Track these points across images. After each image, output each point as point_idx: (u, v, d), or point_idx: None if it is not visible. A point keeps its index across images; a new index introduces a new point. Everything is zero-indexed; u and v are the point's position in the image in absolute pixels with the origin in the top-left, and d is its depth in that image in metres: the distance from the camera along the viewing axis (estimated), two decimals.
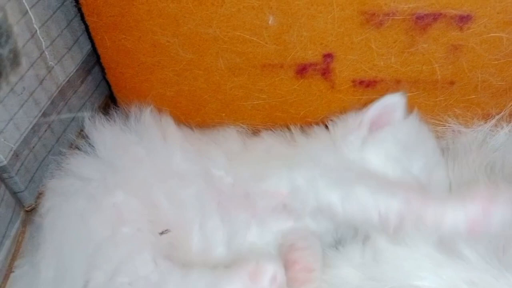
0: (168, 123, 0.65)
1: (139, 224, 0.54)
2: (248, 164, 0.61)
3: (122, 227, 0.53)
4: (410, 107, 0.66)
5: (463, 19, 0.56)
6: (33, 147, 0.59)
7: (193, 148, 0.62)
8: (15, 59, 0.54)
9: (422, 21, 0.57)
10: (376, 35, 0.58)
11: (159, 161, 0.60)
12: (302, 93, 0.67)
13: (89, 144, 0.60)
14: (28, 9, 0.55)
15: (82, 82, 0.67)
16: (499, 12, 0.55)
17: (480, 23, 0.56)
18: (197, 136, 0.66)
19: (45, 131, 0.61)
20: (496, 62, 0.59)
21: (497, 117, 0.65)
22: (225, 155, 0.61)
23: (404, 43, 0.59)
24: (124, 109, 0.68)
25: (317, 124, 0.69)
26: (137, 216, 0.55)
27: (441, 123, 0.67)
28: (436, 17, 0.56)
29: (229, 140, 0.65)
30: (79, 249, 0.53)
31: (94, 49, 0.66)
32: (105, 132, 0.61)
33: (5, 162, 0.54)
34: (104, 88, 0.71)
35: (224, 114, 0.70)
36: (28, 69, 0.57)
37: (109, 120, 0.63)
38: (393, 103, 0.62)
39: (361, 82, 0.64)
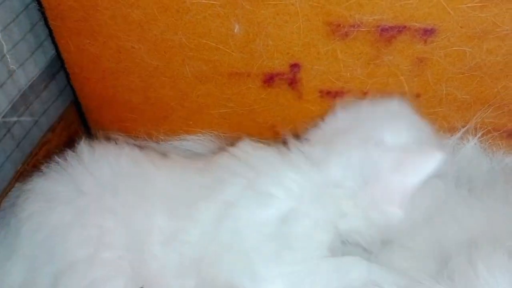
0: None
1: (120, 253, 0.53)
2: None
3: (103, 251, 0.52)
4: None
5: (427, 32, 0.56)
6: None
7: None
8: None
9: (387, 33, 0.57)
10: (342, 46, 0.58)
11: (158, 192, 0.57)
12: (269, 103, 0.66)
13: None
14: None
15: (45, 87, 0.65)
16: (462, 27, 0.55)
17: (444, 36, 0.56)
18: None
19: (5, 135, 0.59)
20: (461, 75, 0.60)
21: (462, 130, 0.65)
22: None
23: (370, 55, 0.59)
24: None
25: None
26: (120, 244, 0.53)
27: None
28: (400, 29, 0.56)
29: None
30: (53, 262, 0.52)
31: (58, 54, 0.65)
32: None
33: None
34: (69, 94, 0.69)
35: (191, 122, 0.70)
36: None
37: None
38: None
39: (328, 93, 0.64)
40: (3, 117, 0.59)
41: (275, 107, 0.67)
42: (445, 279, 0.51)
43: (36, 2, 0.60)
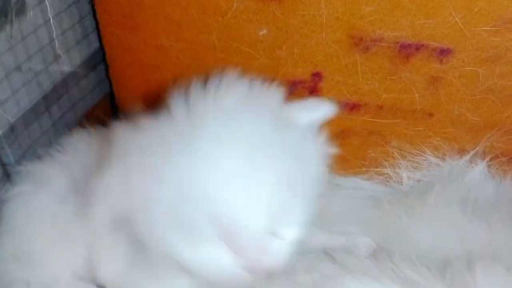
0: None
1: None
2: None
3: (76, 247, 0.53)
4: (390, 135, 0.70)
5: (443, 52, 0.60)
6: (29, 126, 0.62)
7: None
8: (23, 40, 0.59)
9: (406, 50, 0.61)
10: (363, 59, 0.63)
11: None
12: None
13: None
14: None
15: (85, 76, 0.71)
16: (476, 49, 0.59)
17: (459, 57, 0.60)
18: None
19: (43, 113, 0.64)
20: (473, 97, 0.63)
21: (472, 152, 0.68)
22: None
23: (388, 70, 0.63)
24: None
25: None
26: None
27: (419, 153, 0.70)
28: (418, 47, 0.60)
29: None
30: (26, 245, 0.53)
31: (101, 47, 0.71)
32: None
33: (0, 133, 0.57)
34: (105, 86, 0.75)
35: None
36: (36, 52, 0.61)
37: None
38: None
39: (346, 104, 0.68)
40: (43, 97, 0.64)
41: None
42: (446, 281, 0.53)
43: None
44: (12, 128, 0.59)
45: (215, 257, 0.44)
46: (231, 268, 0.44)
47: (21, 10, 0.58)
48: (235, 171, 0.44)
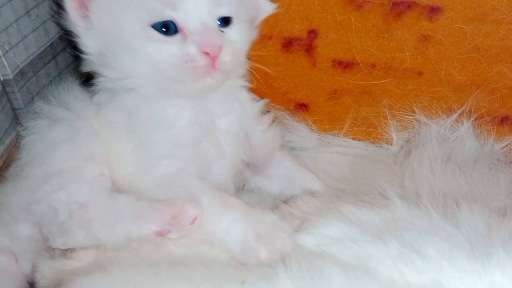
0: None
1: (103, 169, 0.58)
2: None
3: (87, 166, 0.57)
4: (381, 95, 0.73)
5: (434, 10, 0.63)
6: (37, 72, 0.65)
7: None
8: None
9: (398, 8, 0.64)
10: (357, 16, 0.66)
11: None
12: (286, 68, 0.73)
13: None
14: None
15: None
16: (464, 7, 0.62)
17: (448, 16, 0.63)
18: None
19: (50, 61, 0.67)
20: (460, 56, 0.66)
21: (458, 111, 0.71)
22: None
23: (381, 28, 0.66)
24: None
25: (297, 101, 0.76)
26: (103, 164, 0.59)
27: (409, 113, 0.74)
28: (410, 5, 0.63)
29: None
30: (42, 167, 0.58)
31: None
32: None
33: (11, 76, 0.60)
34: None
35: None
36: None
37: None
38: None
39: (339, 63, 0.71)
40: (51, 44, 0.67)
41: (290, 73, 0.74)
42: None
43: None
44: (22, 73, 0.62)
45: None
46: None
47: None
48: None
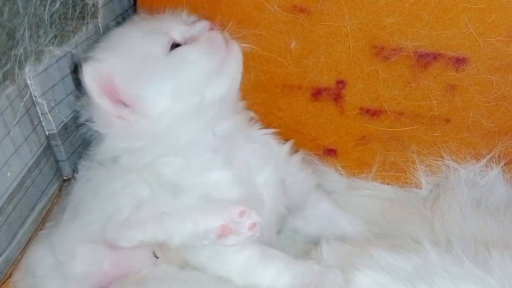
0: None
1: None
2: None
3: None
4: (409, 140, 0.74)
5: (459, 61, 0.65)
6: (80, 125, 0.68)
7: None
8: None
9: (424, 59, 0.66)
10: (384, 67, 0.68)
11: None
12: (315, 115, 0.75)
13: None
14: None
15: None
16: (490, 58, 0.64)
17: (474, 66, 0.65)
18: None
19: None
20: (487, 104, 0.68)
21: (487, 157, 0.72)
22: None
23: (407, 78, 0.68)
24: None
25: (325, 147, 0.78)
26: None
27: (437, 158, 0.75)
28: (435, 56, 0.65)
29: None
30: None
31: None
32: None
33: (55, 131, 0.63)
34: None
35: None
36: None
37: None
38: None
39: (367, 111, 0.73)
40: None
41: (319, 120, 0.76)
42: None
43: None
44: (66, 127, 0.65)
45: None
46: None
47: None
48: None
